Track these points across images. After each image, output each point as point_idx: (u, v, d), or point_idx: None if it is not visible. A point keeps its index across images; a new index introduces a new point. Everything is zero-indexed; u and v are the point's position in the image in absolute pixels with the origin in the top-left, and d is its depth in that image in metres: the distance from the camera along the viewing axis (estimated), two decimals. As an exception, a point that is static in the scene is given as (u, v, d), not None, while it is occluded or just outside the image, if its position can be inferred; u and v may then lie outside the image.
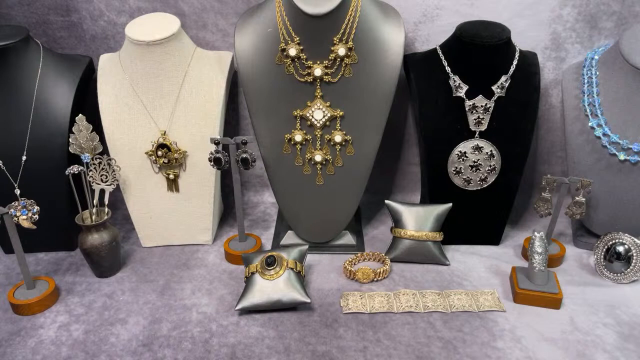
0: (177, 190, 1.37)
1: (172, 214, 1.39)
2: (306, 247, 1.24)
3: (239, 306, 1.15)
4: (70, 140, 1.24)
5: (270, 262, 1.17)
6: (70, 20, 1.47)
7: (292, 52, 1.14)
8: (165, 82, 1.28)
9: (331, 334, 1.11)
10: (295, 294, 1.15)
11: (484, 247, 1.41)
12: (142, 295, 1.24)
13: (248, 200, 1.67)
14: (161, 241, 1.43)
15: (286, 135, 1.24)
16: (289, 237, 1.40)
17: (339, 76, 1.18)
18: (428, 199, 1.37)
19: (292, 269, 1.17)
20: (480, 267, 1.32)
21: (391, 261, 1.31)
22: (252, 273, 1.18)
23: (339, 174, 1.29)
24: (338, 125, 1.22)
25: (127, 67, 1.29)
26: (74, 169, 1.22)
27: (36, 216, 1.18)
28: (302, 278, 1.19)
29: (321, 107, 1.20)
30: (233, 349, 1.07)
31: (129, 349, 1.08)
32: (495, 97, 1.24)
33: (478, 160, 1.29)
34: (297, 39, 1.13)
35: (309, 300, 1.15)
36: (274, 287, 1.15)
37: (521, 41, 1.37)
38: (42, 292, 1.20)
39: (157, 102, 1.30)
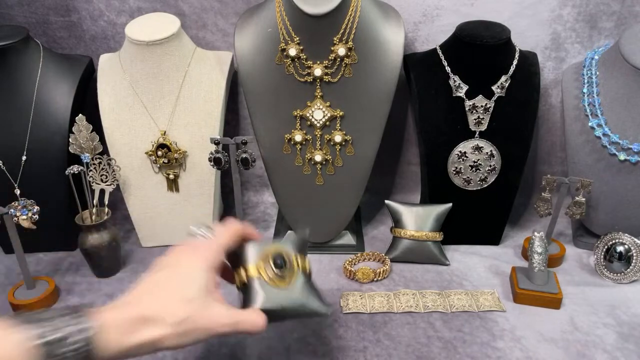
0: (177, 190, 1.37)
1: (172, 214, 1.39)
2: (307, 230, 0.99)
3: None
4: (70, 140, 1.24)
5: (280, 265, 0.88)
6: (70, 20, 1.47)
7: (292, 52, 1.14)
8: (165, 82, 1.28)
9: (331, 334, 1.11)
10: (315, 303, 0.89)
11: (484, 247, 1.41)
12: (142, 295, 1.24)
13: (248, 200, 1.67)
14: (161, 241, 1.42)
15: (286, 135, 1.24)
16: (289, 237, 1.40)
17: (339, 76, 1.17)
18: (428, 199, 1.37)
19: (303, 271, 0.91)
20: (480, 267, 1.32)
21: (391, 261, 1.31)
22: (251, 278, 0.86)
23: (339, 174, 1.28)
24: (338, 125, 1.22)
25: (127, 67, 1.29)
26: (74, 169, 1.22)
27: (36, 216, 1.18)
28: (311, 278, 0.94)
29: (321, 107, 1.20)
30: (233, 349, 1.07)
31: (129, 349, 1.08)
32: (495, 97, 1.24)
33: (478, 160, 1.29)
34: (297, 39, 1.13)
35: (328, 313, 0.91)
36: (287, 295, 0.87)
37: (521, 41, 1.37)
38: (42, 292, 1.20)
39: (157, 102, 1.30)
